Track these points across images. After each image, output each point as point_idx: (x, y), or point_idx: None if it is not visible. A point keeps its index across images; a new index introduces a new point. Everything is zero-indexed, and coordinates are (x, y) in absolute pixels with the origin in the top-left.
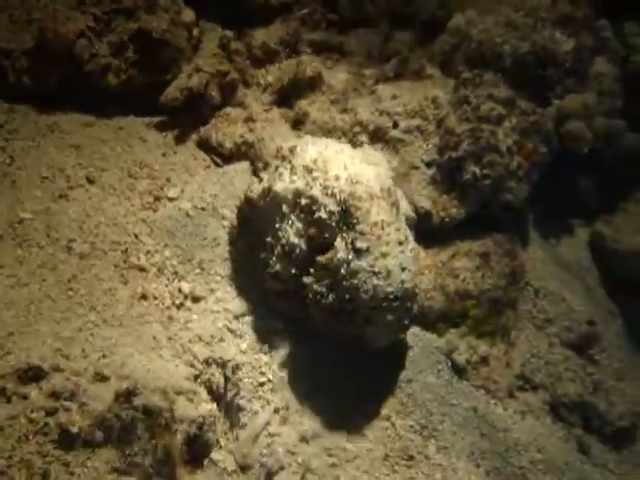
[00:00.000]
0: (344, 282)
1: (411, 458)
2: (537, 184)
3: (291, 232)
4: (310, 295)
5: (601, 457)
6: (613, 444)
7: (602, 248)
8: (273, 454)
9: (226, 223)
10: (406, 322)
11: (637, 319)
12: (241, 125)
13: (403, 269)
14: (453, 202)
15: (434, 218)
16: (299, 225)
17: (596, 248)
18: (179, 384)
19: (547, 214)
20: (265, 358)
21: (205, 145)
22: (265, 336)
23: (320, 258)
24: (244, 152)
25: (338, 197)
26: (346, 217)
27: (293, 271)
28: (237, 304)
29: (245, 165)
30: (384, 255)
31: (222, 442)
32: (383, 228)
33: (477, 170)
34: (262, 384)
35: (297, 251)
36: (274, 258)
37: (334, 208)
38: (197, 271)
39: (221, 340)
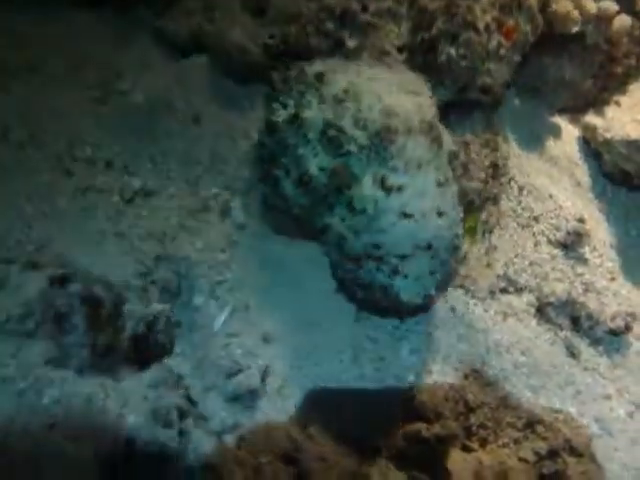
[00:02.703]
0: (371, 224)
1: (382, 359)
2: (520, 67)
3: (313, 162)
4: (332, 238)
5: (591, 361)
6: (605, 348)
7: (593, 139)
8: (231, 356)
9: (180, 117)
10: (439, 277)
11: (631, 215)
12: (199, 16)
13: (440, 214)
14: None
15: None
16: (324, 157)
17: (586, 140)
18: (127, 279)
19: (533, 105)
20: (223, 256)
21: (160, 37)
22: (223, 233)
23: (345, 195)
24: (203, 44)
25: (370, 130)
26: (378, 152)
27: (304, 202)
28: (192, 200)
29: (203, 58)
30: (418, 195)
31: (177, 348)
32: (420, 166)
33: (452, 51)
34: (220, 283)
35: (314, 184)
36: (288, 181)
37: (365, 142)
38: (149, 166)
39: (174, 238)
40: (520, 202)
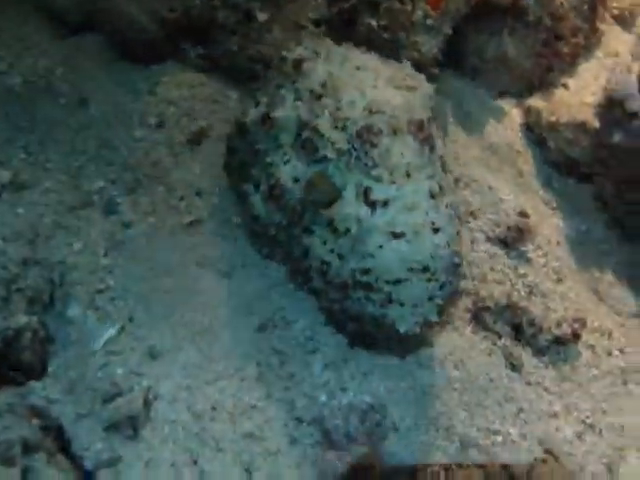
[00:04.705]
0: (356, 247)
1: (291, 376)
2: (452, 40)
3: (284, 172)
4: (314, 262)
5: (535, 374)
6: (550, 358)
7: (537, 124)
8: (110, 376)
9: (63, 101)
10: (439, 301)
11: (579, 208)
12: None
13: (436, 230)
14: None
15: None
16: (297, 164)
17: (530, 126)
18: None
19: (471, 86)
20: (106, 261)
21: (48, 13)
22: (107, 233)
23: (325, 212)
24: (95, 21)
25: (350, 131)
26: (359, 158)
27: (279, 220)
28: (72, 195)
29: (95, 37)
30: (409, 210)
31: (49, 367)
32: (409, 174)
33: (373, 22)
34: (100, 291)
35: (287, 198)
36: (257, 198)
37: (344, 146)
38: (22, 156)
39: (48, 237)
40: (455, 195)
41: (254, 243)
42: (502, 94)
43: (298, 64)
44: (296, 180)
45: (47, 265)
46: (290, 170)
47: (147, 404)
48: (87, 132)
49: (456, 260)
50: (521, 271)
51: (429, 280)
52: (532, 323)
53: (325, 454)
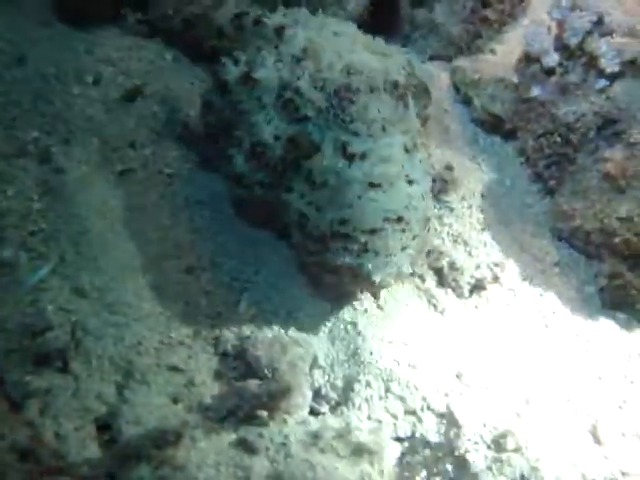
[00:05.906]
0: (334, 198)
1: (219, 315)
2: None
3: (267, 130)
4: (293, 217)
5: (456, 314)
6: (472, 300)
7: (462, 82)
8: (39, 313)
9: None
10: (412, 252)
11: (504, 164)
12: None
13: (410, 182)
14: None
15: None
16: (279, 123)
17: (456, 85)
18: None
19: (400, 51)
20: (39, 205)
21: None
22: (41, 180)
23: (303, 167)
24: None
25: (329, 90)
26: (337, 115)
27: (262, 177)
28: (7, 145)
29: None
30: (384, 162)
31: None
32: (384, 128)
33: None
34: (33, 233)
35: (270, 155)
36: (240, 157)
37: (323, 104)
38: None
39: None
40: None
41: (238, 211)
42: (432, 59)
43: (281, 31)
44: (277, 138)
45: None
46: (272, 129)
47: (76, 339)
48: (23, 86)
49: (428, 214)
50: (446, 221)
51: (403, 230)
52: (454, 267)
53: (246, 382)
